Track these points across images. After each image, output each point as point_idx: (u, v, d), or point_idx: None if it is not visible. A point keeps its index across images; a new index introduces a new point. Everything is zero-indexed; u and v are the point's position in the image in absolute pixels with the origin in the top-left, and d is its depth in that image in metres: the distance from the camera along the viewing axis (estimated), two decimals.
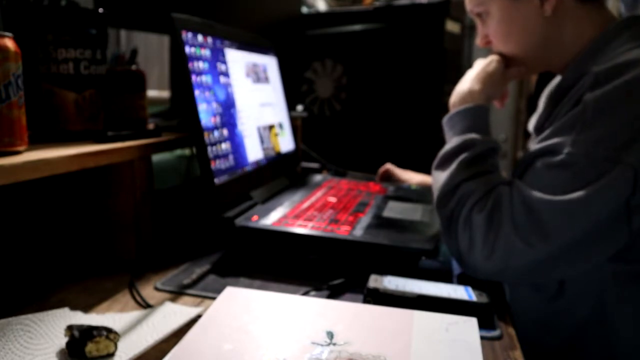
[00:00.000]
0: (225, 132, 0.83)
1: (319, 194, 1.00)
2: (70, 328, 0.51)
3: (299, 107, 1.35)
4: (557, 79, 0.81)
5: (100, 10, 0.75)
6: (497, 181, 0.71)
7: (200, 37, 0.81)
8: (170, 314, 0.58)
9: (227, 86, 0.86)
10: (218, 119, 0.81)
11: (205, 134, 0.76)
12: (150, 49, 1.48)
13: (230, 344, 0.44)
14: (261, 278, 0.72)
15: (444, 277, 0.73)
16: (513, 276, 0.69)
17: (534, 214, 0.64)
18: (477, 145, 0.74)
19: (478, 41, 0.85)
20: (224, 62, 0.87)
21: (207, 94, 0.79)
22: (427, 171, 0.94)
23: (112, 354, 0.50)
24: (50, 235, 0.77)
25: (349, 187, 1.08)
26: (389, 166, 1.25)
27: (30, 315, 0.53)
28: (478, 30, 0.85)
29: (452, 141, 0.77)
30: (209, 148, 0.77)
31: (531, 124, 0.89)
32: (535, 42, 0.78)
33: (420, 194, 1.05)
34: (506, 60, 0.83)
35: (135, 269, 0.73)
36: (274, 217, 0.81)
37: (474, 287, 0.65)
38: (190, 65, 0.76)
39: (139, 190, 0.76)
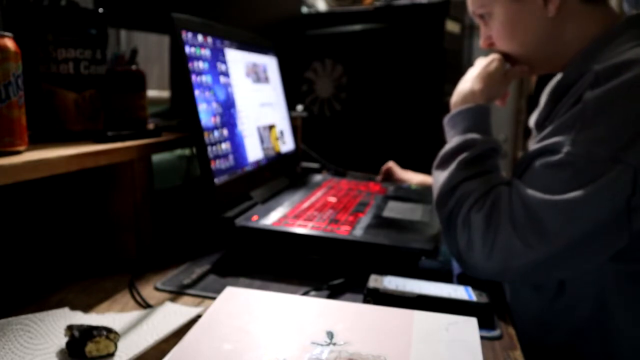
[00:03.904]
0: (225, 132, 0.83)
1: (319, 194, 1.00)
2: (70, 328, 0.51)
3: (299, 107, 1.35)
4: (559, 76, 0.81)
5: (100, 10, 0.75)
6: (497, 181, 0.71)
7: (200, 37, 0.81)
8: (170, 314, 0.58)
9: (227, 86, 0.86)
10: (218, 119, 0.81)
11: (205, 134, 0.76)
12: (150, 49, 1.48)
13: (230, 344, 0.44)
14: (261, 278, 0.72)
15: (444, 277, 0.73)
16: (512, 276, 0.69)
17: (533, 213, 0.64)
18: (477, 145, 0.74)
19: (481, 43, 0.85)
20: (224, 62, 0.87)
21: (207, 94, 0.79)
22: (427, 171, 0.95)
23: (112, 354, 0.50)
24: (51, 235, 0.77)
25: (349, 187, 1.08)
26: (391, 164, 1.25)
27: (30, 315, 0.53)
28: (481, 32, 0.85)
29: (452, 141, 0.77)
30: (209, 148, 0.77)
31: (532, 120, 0.89)
32: (539, 42, 0.78)
33: (420, 194, 1.05)
34: (509, 60, 0.83)
35: (135, 269, 0.73)
36: (274, 217, 0.81)
37: (474, 287, 0.65)
38: (190, 65, 0.76)
39: (139, 190, 0.76)
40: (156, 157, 0.97)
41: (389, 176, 1.24)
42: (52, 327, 0.53)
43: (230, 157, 0.83)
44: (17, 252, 0.73)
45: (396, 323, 0.48)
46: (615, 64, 0.66)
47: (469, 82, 0.82)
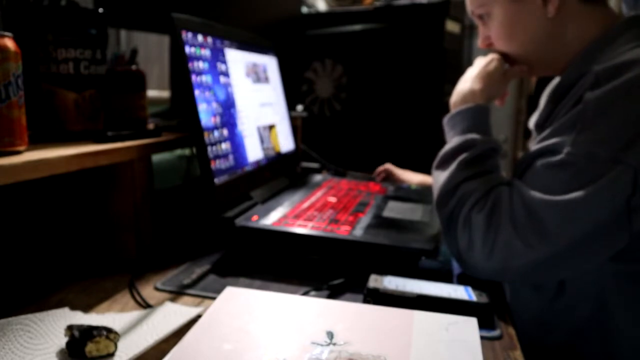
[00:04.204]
0: (225, 132, 0.83)
1: (319, 194, 1.00)
2: (70, 328, 0.51)
3: (299, 107, 1.35)
4: (559, 77, 0.81)
5: (100, 10, 0.75)
6: (497, 181, 0.71)
7: (200, 37, 0.81)
8: (170, 314, 0.58)
9: (227, 86, 0.86)
10: (218, 119, 0.81)
11: (205, 134, 0.76)
12: (150, 49, 1.48)
13: (230, 344, 0.44)
14: (261, 278, 0.72)
15: (444, 277, 0.73)
16: (512, 276, 0.69)
17: (534, 214, 0.64)
18: (477, 145, 0.74)
19: (479, 43, 0.85)
20: (224, 62, 0.87)
21: (207, 94, 0.79)
22: (427, 171, 0.94)
23: (112, 354, 0.50)
24: (51, 235, 0.77)
25: (349, 187, 1.08)
26: (388, 166, 1.25)
27: (30, 315, 0.53)
28: (479, 32, 0.85)
29: (452, 141, 0.77)
30: (209, 148, 0.77)
31: (532, 122, 0.89)
32: (538, 43, 0.78)
33: (420, 194, 1.05)
34: (507, 59, 0.83)
35: (135, 269, 0.73)
36: (274, 217, 0.81)
37: (474, 287, 0.65)
38: (190, 65, 0.76)
39: (139, 190, 0.76)
40: (156, 157, 0.97)
41: (388, 177, 1.24)
42: (52, 327, 0.53)
43: (230, 157, 0.83)
44: (17, 252, 0.73)
45: (396, 323, 0.48)
46: (616, 64, 0.66)
47: (468, 81, 0.82)
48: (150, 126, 0.90)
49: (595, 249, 0.65)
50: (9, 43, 0.56)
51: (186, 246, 0.84)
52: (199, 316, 0.52)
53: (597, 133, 0.64)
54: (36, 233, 0.75)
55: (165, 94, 1.43)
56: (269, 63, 1.11)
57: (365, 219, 0.84)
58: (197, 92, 0.76)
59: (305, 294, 0.66)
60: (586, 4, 0.75)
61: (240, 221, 0.77)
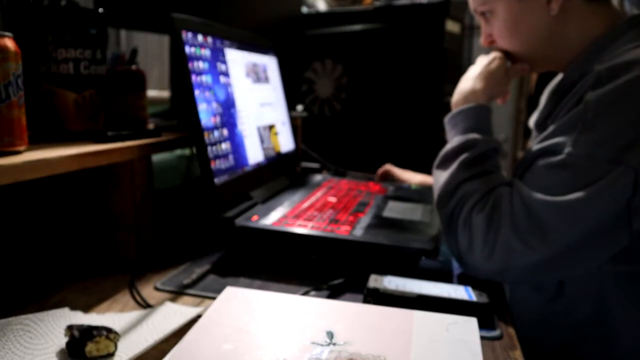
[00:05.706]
0: (225, 132, 0.83)
1: (319, 194, 1.00)
2: (70, 328, 0.51)
3: (299, 107, 1.35)
4: (560, 76, 0.81)
5: (100, 10, 0.75)
6: (498, 181, 0.71)
7: (200, 37, 0.81)
8: (170, 314, 0.58)
9: (227, 86, 0.86)
10: (218, 119, 0.81)
11: (205, 134, 0.76)
12: (150, 49, 1.48)
13: (230, 344, 0.44)
14: (261, 278, 0.71)
15: (444, 277, 0.73)
16: (513, 276, 0.69)
17: (534, 214, 0.64)
18: (478, 145, 0.73)
19: (481, 41, 0.85)
20: (224, 62, 0.87)
21: (207, 93, 0.79)
22: (427, 171, 0.95)
23: (112, 354, 0.50)
24: (51, 235, 0.77)
25: (349, 187, 1.08)
26: (388, 167, 1.25)
27: (30, 315, 0.53)
28: (482, 30, 0.84)
29: (453, 141, 0.77)
30: (209, 148, 0.77)
31: (532, 121, 0.89)
32: (541, 41, 0.78)
33: (420, 194, 1.05)
34: (510, 57, 0.83)
35: (135, 269, 0.73)
36: (274, 217, 0.81)
37: (474, 287, 0.65)
38: (190, 65, 0.76)
39: (139, 190, 0.76)
40: (156, 157, 0.97)
41: (388, 177, 1.24)
42: (52, 327, 0.53)
43: (230, 157, 0.83)
44: (18, 252, 0.73)
45: (396, 323, 0.48)
46: (617, 64, 0.66)
47: (470, 80, 0.82)
48: (150, 126, 0.90)
49: (595, 249, 0.65)
50: (9, 43, 0.56)
51: (186, 246, 0.84)
52: (199, 316, 0.52)
53: (598, 133, 0.64)
54: (36, 233, 0.75)
55: (165, 94, 1.43)
56: (269, 63, 1.11)
57: (365, 219, 0.84)
58: (197, 92, 0.76)
59: (305, 294, 0.66)
60: (589, 2, 0.75)
61: (240, 221, 0.77)
